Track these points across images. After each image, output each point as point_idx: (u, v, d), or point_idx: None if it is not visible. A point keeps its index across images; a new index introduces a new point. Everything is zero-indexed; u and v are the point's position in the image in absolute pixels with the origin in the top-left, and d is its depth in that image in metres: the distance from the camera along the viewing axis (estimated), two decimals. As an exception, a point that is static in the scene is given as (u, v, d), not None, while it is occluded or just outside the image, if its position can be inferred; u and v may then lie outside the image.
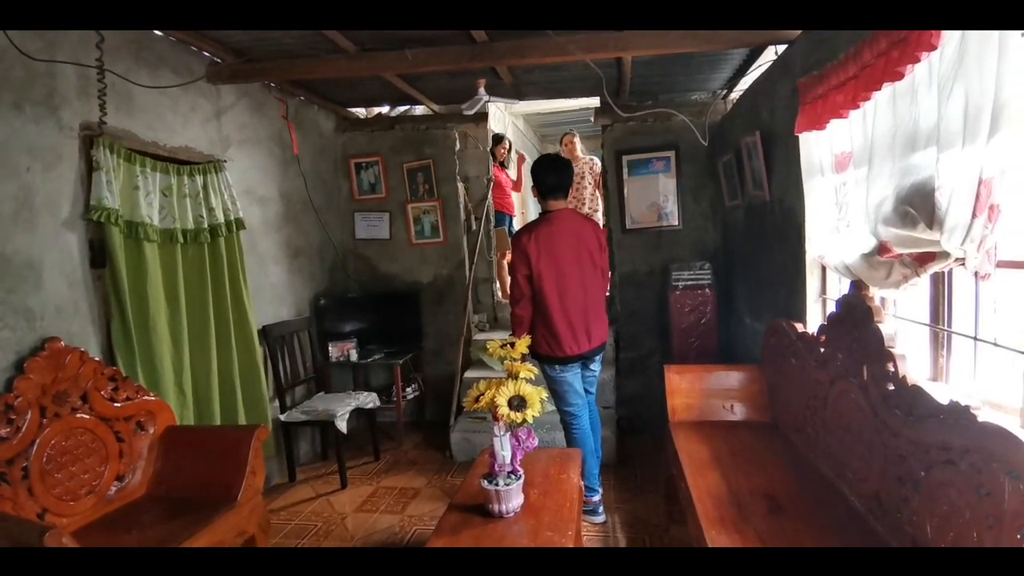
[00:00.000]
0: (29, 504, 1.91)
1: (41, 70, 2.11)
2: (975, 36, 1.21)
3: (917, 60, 1.37)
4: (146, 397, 2.32)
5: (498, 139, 4.79)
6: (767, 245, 2.94)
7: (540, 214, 2.67)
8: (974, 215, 1.23)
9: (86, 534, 1.98)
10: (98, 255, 2.27)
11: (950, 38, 1.29)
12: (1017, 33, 1.15)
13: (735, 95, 3.77)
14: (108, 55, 2.29)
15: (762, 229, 3.01)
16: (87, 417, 2.14)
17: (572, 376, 2.65)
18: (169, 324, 2.52)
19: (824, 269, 2.40)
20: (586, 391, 2.78)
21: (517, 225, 5.13)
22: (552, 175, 2.59)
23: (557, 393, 2.68)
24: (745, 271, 3.45)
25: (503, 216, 4.98)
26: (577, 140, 5.01)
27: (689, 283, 3.71)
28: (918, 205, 1.40)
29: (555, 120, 7.68)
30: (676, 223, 4.05)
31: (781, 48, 2.73)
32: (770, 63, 2.89)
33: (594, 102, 4.08)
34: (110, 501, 2.19)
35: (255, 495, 2.28)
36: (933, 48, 1.32)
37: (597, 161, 4.86)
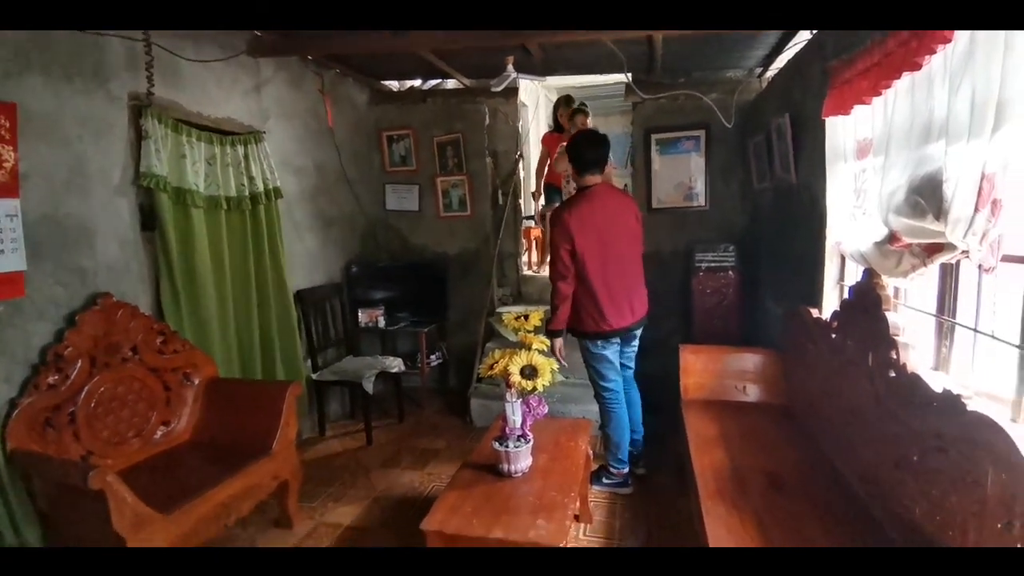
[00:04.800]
0: (74, 447, 2.10)
1: (88, 42, 2.22)
2: (984, 33, 1.21)
3: (933, 52, 1.38)
4: (192, 351, 2.52)
5: (568, 102, 4.18)
6: (791, 229, 2.93)
7: (577, 190, 2.69)
8: (976, 209, 1.25)
9: (132, 474, 2.16)
10: (148, 219, 2.45)
11: (962, 33, 1.29)
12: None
13: (771, 73, 3.69)
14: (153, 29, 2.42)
15: (787, 213, 3.00)
16: (137, 367, 2.35)
17: (612, 353, 2.70)
18: (214, 285, 2.71)
19: (843, 256, 2.40)
20: (624, 366, 2.83)
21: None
22: (592, 150, 2.60)
23: (596, 370, 2.71)
24: (770, 255, 3.43)
25: (554, 192, 4.44)
26: (589, 121, 4.23)
27: (712, 265, 3.71)
28: (927, 195, 1.41)
29: (587, 94, 7.57)
30: (703, 204, 4.03)
31: (815, 30, 2.67)
32: (804, 43, 2.83)
33: (625, 77, 4.04)
34: (156, 444, 2.41)
35: (289, 445, 2.47)
36: (948, 41, 1.32)
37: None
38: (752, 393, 2.83)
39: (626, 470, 2.80)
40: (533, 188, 5.22)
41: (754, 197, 3.80)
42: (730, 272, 3.68)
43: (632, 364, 2.91)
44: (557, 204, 4.21)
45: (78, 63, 2.20)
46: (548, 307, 2.67)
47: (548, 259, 4.53)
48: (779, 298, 3.18)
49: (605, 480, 2.79)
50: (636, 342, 2.86)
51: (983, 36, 1.25)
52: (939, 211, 1.37)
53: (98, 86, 2.29)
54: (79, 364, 2.15)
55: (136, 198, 2.44)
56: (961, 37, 1.32)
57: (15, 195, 1.94)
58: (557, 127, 4.29)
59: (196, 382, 2.55)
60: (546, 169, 4.40)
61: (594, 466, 2.74)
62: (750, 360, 2.89)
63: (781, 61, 3.41)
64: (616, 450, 2.75)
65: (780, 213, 3.14)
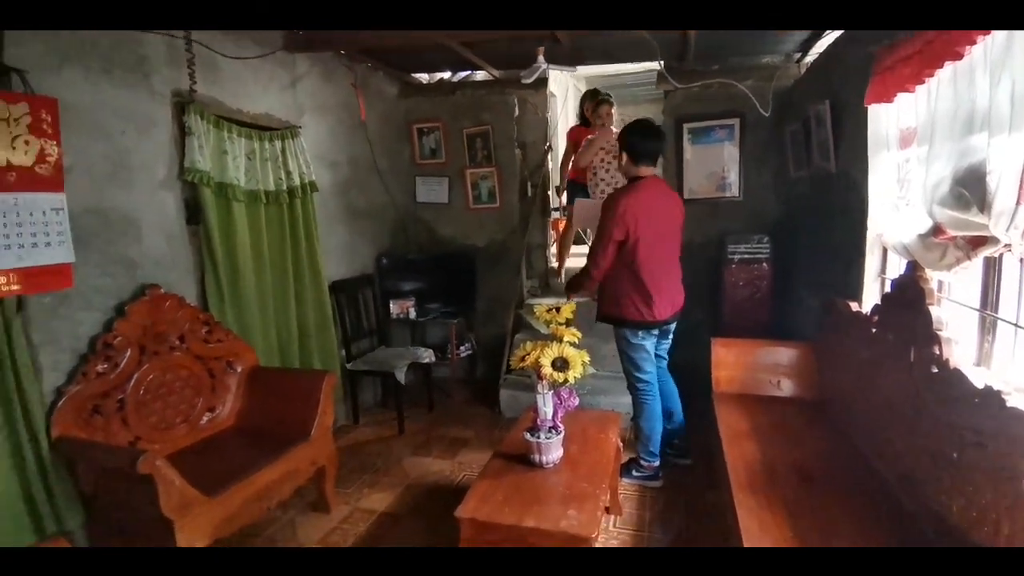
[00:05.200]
0: (122, 433, 2.19)
1: (128, 38, 2.27)
2: None
3: (973, 42, 1.33)
4: (235, 340, 2.62)
5: (594, 95, 4.04)
6: (829, 220, 2.86)
7: (629, 180, 2.67)
8: (1019, 202, 1.21)
9: (179, 458, 2.21)
10: (192, 213, 2.55)
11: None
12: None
13: (810, 58, 3.58)
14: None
15: (825, 203, 2.93)
16: (184, 356, 2.45)
17: (651, 344, 2.71)
18: (255, 276, 2.80)
19: (884, 248, 2.34)
20: (659, 357, 2.85)
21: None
22: (650, 141, 2.59)
23: (633, 360, 2.70)
24: (806, 246, 3.36)
25: (577, 188, 4.21)
26: (615, 111, 4.05)
27: (745, 257, 3.65)
28: (972, 187, 1.37)
29: (618, 83, 7.46)
30: (737, 194, 3.96)
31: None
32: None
33: (657, 65, 3.98)
34: (202, 429, 2.52)
35: (326, 432, 2.56)
36: (988, 31, 1.27)
37: None
38: (787, 388, 2.79)
39: (657, 463, 2.80)
40: (557, 182, 4.96)
41: (790, 187, 3.71)
42: (764, 264, 3.61)
43: (666, 356, 2.91)
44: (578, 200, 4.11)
45: (119, 58, 2.25)
46: (584, 298, 2.68)
47: (563, 252, 4.49)
48: (815, 290, 3.11)
49: (635, 473, 2.80)
50: (672, 335, 2.86)
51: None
52: (983, 203, 1.33)
53: (140, 81, 2.35)
54: (128, 353, 2.25)
55: (181, 192, 2.53)
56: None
57: (60, 189, 1.99)
58: (584, 121, 4.19)
59: (239, 370, 2.65)
60: (570, 164, 4.22)
61: (625, 458, 2.75)
62: (784, 354, 2.85)
63: (821, 46, 3.31)
64: (648, 442, 2.76)
65: (818, 203, 3.07)
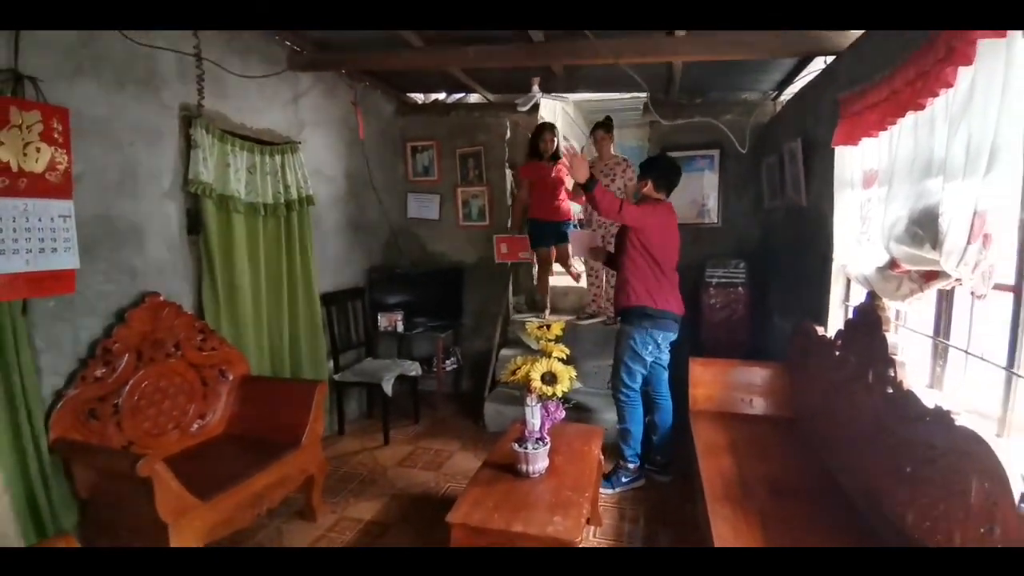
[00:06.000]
0: (116, 437, 2.22)
1: (141, 51, 2.36)
2: (982, 81, 1.34)
3: (936, 95, 1.50)
4: (228, 348, 2.68)
5: (548, 128, 3.98)
6: (800, 249, 3.05)
7: (645, 200, 2.88)
8: (969, 241, 1.37)
9: (171, 464, 2.15)
10: (194, 223, 2.62)
11: (963, 79, 1.41)
12: (1019, 80, 1.28)
13: (786, 97, 3.82)
14: (202, 43, 2.59)
15: (797, 233, 3.12)
16: (178, 363, 2.50)
17: (653, 346, 2.88)
18: (250, 286, 2.88)
19: (848, 277, 2.51)
20: (657, 365, 3.00)
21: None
22: (676, 177, 2.92)
23: (628, 366, 2.89)
24: (779, 272, 3.55)
25: (554, 226, 3.97)
26: (610, 137, 3.99)
27: (723, 280, 3.83)
28: (925, 227, 1.54)
29: (606, 108, 7.72)
30: (716, 221, 4.15)
31: (830, 58, 2.80)
32: (819, 71, 2.96)
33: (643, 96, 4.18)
34: (193, 436, 2.56)
35: (316, 440, 2.61)
36: (950, 85, 1.45)
37: (632, 167, 3.86)
38: (759, 406, 2.94)
39: (638, 464, 2.97)
40: (509, 223, 4.41)
41: (765, 216, 3.92)
42: (740, 288, 3.79)
43: (666, 366, 3.06)
44: (548, 246, 4.03)
45: (131, 72, 2.34)
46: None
47: (544, 288, 4.38)
48: (787, 314, 3.29)
49: (624, 479, 2.95)
50: (670, 347, 3.04)
51: (982, 84, 1.38)
52: (935, 242, 1.49)
53: (150, 95, 2.43)
54: (126, 358, 2.30)
55: (184, 202, 2.60)
56: (962, 83, 1.45)
57: (68, 196, 2.05)
58: (535, 154, 3.95)
59: (231, 378, 2.70)
60: (527, 200, 3.98)
61: (607, 468, 2.87)
62: (758, 374, 3.00)
63: (796, 86, 3.54)
64: (634, 442, 2.94)
65: (790, 233, 3.26)
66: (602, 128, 3.89)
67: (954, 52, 1.41)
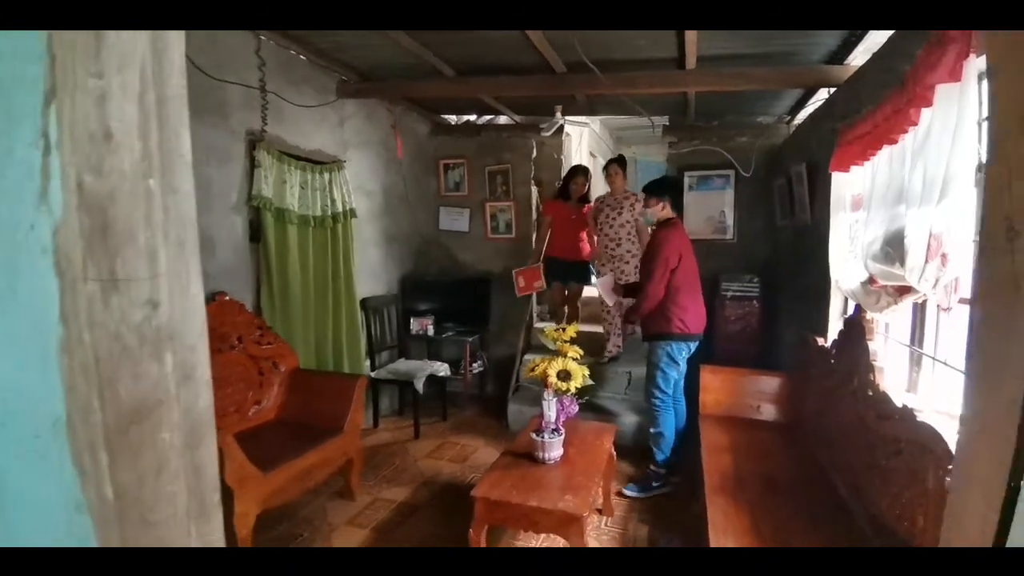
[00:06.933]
0: None
1: (212, 84, 2.71)
2: (938, 123, 1.57)
3: (905, 131, 1.73)
4: (281, 343, 3.02)
5: (581, 171, 4.10)
6: (805, 265, 3.24)
7: (661, 222, 3.11)
8: (927, 260, 1.59)
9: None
10: (255, 233, 2.98)
11: (925, 118, 1.64)
12: (970, 121, 1.51)
13: (799, 120, 4.02)
14: (266, 76, 2.96)
15: (803, 250, 3.32)
16: (240, 354, 2.85)
17: (684, 357, 3.09)
18: (301, 289, 3.23)
19: (846, 291, 2.71)
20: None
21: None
22: (679, 195, 3.30)
23: (665, 374, 3.05)
24: (788, 286, 3.74)
25: (569, 265, 4.11)
26: (622, 172, 3.97)
27: (738, 294, 4.02)
28: (895, 247, 1.76)
29: (627, 124, 7.98)
30: (731, 237, 4.36)
31: (831, 90, 3.02)
32: (823, 100, 3.17)
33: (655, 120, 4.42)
34: (250, 419, 2.89)
35: (356, 428, 2.92)
36: (915, 124, 1.68)
37: (640, 200, 3.58)
38: (767, 412, 3.13)
39: (667, 470, 3.13)
40: (533, 262, 4.39)
41: (776, 233, 4.11)
42: (754, 302, 3.98)
43: (682, 374, 3.23)
44: (563, 282, 4.20)
45: (203, 100, 2.68)
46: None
47: (563, 313, 4.62)
48: (794, 326, 3.48)
49: (655, 484, 3.11)
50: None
51: (938, 124, 1.61)
52: (903, 260, 1.71)
53: (222, 121, 2.81)
54: (197, 349, 2.65)
55: (247, 215, 2.97)
56: (923, 123, 1.68)
57: None
58: (563, 193, 4.14)
59: (282, 370, 3.04)
60: (549, 237, 4.13)
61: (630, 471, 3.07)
62: (765, 382, 3.20)
63: (807, 110, 3.75)
64: (665, 445, 3.10)
65: (797, 250, 3.46)
66: (615, 163, 3.99)
67: (916, 95, 1.64)
